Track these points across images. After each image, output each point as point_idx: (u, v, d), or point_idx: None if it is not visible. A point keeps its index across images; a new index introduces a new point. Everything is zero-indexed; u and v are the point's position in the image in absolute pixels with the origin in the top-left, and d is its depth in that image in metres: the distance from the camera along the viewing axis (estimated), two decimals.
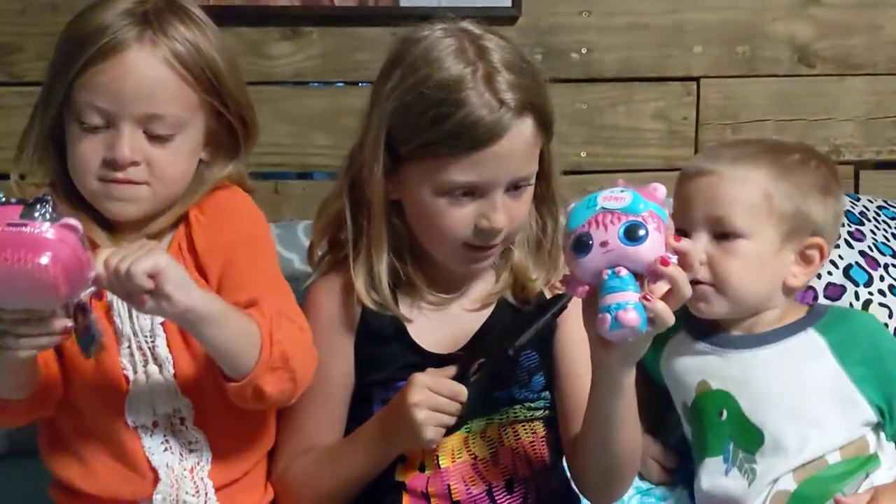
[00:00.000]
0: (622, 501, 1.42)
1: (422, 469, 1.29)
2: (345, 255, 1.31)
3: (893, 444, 1.38)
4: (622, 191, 1.10)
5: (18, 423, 1.24)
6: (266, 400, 1.19)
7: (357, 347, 1.31)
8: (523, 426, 1.33)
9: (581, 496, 1.36)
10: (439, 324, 1.32)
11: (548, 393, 1.34)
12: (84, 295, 1.06)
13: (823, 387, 1.36)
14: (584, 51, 1.98)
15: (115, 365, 1.21)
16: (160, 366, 1.22)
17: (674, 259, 1.08)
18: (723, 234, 1.37)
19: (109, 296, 1.18)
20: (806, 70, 2.06)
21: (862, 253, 1.73)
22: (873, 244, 1.76)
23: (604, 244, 1.08)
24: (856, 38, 2.07)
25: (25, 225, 0.99)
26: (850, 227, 1.77)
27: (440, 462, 1.29)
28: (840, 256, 1.71)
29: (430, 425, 1.18)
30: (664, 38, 2.01)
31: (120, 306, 1.21)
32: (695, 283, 1.15)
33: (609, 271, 1.08)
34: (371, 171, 1.25)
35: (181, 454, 1.24)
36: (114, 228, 1.24)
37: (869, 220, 1.81)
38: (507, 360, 1.23)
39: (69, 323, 1.07)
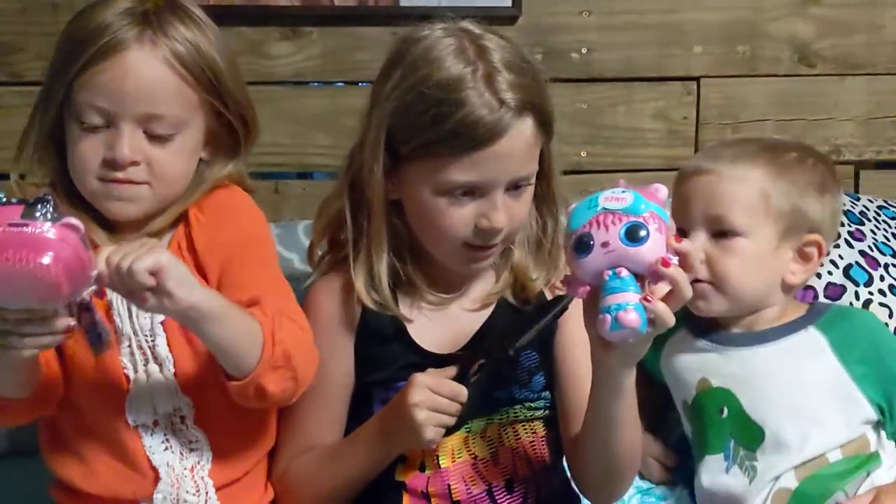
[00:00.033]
0: (622, 501, 1.42)
1: (422, 469, 1.29)
2: (345, 255, 1.30)
3: (894, 443, 1.38)
4: (623, 191, 1.10)
5: (19, 423, 1.24)
6: (268, 399, 1.19)
7: (357, 347, 1.31)
8: (523, 426, 1.33)
9: (581, 496, 1.36)
10: (439, 324, 1.32)
11: (548, 393, 1.34)
12: (86, 293, 1.06)
13: (824, 385, 1.36)
14: (584, 50, 1.98)
15: (115, 364, 1.21)
16: (160, 365, 1.22)
17: (675, 260, 1.08)
18: (721, 233, 1.37)
19: (109, 295, 1.18)
20: (806, 70, 2.06)
21: (862, 253, 1.73)
22: (873, 244, 1.76)
23: (605, 245, 1.08)
24: (856, 37, 2.07)
25: (27, 225, 0.99)
26: (850, 226, 1.76)
27: (440, 462, 1.29)
28: (840, 256, 1.71)
29: (430, 425, 1.18)
30: (664, 38, 2.01)
31: (120, 305, 1.21)
32: (694, 281, 1.15)
33: (610, 272, 1.08)
34: (371, 170, 1.25)
35: (182, 453, 1.24)
36: (114, 228, 1.24)
37: (869, 220, 1.81)
38: (508, 360, 1.23)
39: (72, 322, 1.07)
